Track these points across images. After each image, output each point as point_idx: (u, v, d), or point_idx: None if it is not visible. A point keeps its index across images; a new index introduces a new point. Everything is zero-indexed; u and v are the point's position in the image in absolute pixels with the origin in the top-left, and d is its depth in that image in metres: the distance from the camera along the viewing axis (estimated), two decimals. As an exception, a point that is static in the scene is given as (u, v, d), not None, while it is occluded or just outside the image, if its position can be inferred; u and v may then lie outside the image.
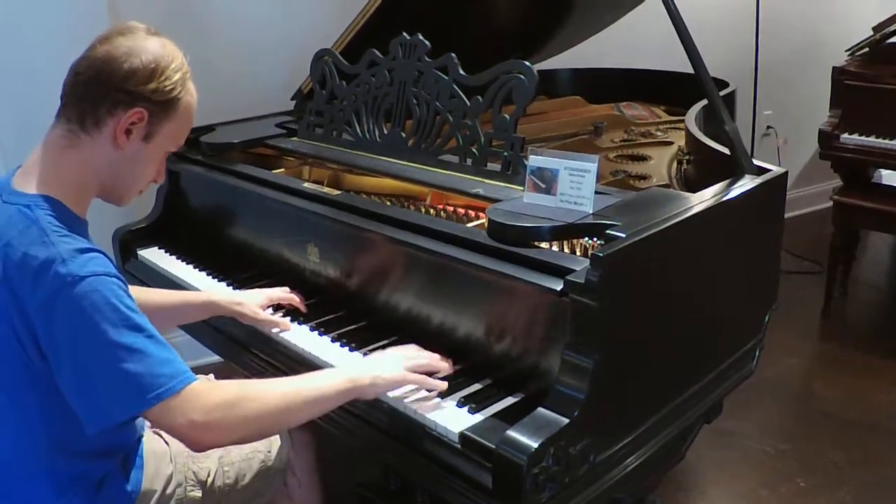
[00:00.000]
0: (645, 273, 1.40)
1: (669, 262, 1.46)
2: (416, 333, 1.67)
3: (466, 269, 1.51)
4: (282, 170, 2.32)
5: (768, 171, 1.77)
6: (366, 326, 1.78)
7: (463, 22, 2.73)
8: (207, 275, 2.20)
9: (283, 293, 1.87)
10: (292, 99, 2.71)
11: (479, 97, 1.85)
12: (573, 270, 1.34)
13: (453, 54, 1.92)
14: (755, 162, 1.81)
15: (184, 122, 1.44)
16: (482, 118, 1.86)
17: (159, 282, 2.27)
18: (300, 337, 1.77)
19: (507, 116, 1.79)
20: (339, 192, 1.94)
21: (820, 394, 3.13)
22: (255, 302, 1.84)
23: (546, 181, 1.55)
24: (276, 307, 1.89)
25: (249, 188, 2.10)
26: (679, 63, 3.08)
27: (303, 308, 1.86)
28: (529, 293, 1.40)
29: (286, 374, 1.75)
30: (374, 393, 1.45)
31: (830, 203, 3.61)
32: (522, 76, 1.77)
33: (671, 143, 2.57)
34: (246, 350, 1.92)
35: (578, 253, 1.64)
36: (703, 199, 1.57)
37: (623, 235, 1.35)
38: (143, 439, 1.62)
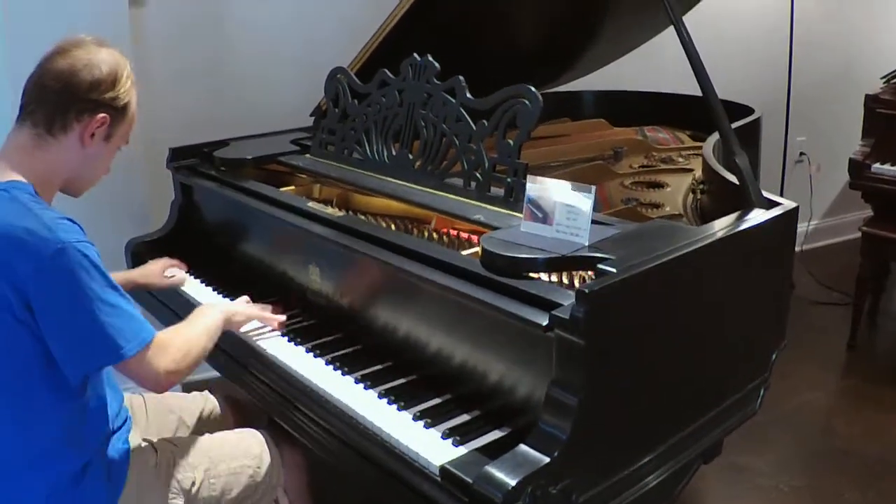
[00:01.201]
0: (636, 310, 1.36)
1: (664, 298, 1.42)
2: (410, 359, 1.66)
3: (457, 297, 1.48)
4: (292, 187, 2.32)
5: (778, 204, 1.72)
6: (361, 350, 1.77)
7: (487, 41, 2.72)
8: (214, 290, 2.20)
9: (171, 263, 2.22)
10: (311, 115, 2.71)
11: (485, 121, 1.82)
12: (560, 305, 1.30)
13: (461, 77, 1.90)
14: (766, 195, 1.76)
15: (132, 121, 1.64)
16: (490, 142, 1.84)
17: (167, 296, 2.27)
18: (296, 359, 1.76)
19: (511, 142, 1.77)
20: (342, 213, 1.93)
21: (840, 430, 3.04)
22: (151, 270, 2.17)
23: (543, 210, 1.52)
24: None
25: (255, 205, 2.09)
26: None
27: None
28: (516, 326, 1.37)
29: (283, 395, 1.75)
30: (234, 326, 1.83)
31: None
32: (527, 101, 1.74)
33: (691, 171, 2.53)
34: (243, 368, 1.91)
35: (577, 284, 1.61)
36: (706, 234, 1.52)
37: (613, 270, 1.32)
38: (131, 454, 1.63)
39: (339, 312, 1.85)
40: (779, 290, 1.76)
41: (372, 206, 2.14)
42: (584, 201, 1.47)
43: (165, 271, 2.21)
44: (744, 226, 1.59)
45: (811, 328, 3.76)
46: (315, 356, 1.76)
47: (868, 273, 3.60)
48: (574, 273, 1.62)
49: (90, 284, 1.42)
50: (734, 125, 2.62)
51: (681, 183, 2.39)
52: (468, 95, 1.88)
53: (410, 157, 2.02)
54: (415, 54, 2.04)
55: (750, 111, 2.89)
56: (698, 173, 2.45)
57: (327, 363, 1.73)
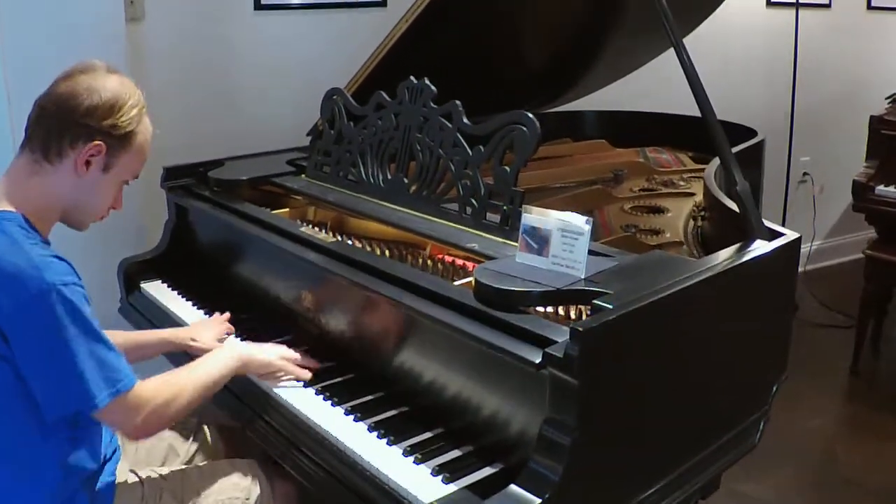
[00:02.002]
0: (633, 347, 1.32)
1: (663, 334, 1.38)
2: (401, 390, 1.62)
3: (448, 330, 1.45)
4: (287, 209, 2.29)
5: (780, 234, 1.68)
6: (352, 380, 1.73)
7: (487, 62, 2.69)
8: (206, 314, 2.16)
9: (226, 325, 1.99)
10: (308, 135, 2.68)
11: (482, 147, 1.79)
12: (554, 342, 1.27)
13: (458, 102, 1.87)
14: (768, 224, 1.72)
15: (139, 155, 1.56)
16: (487, 168, 1.81)
17: (158, 317, 2.24)
18: (284, 387, 1.73)
19: (508, 169, 1.73)
20: (334, 238, 1.89)
21: (843, 459, 2.99)
22: (210, 335, 1.92)
23: (538, 241, 1.49)
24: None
25: (247, 228, 2.06)
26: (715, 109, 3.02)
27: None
28: (509, 362, 1.33)
29: (270, 424, 1.71)
30: (250, 371, 1.72)
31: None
32: (524, 128, 1.71)
33: (692, 195, 2.49)
34: (231, 395, 1.86)
35: (573, 316, 1.57)
36: (705, 267, 1.49)
37: (610, 307, 1.28)
38: (117, 488, 1.60)
39: (330, 340, 1.82)
40: (780, 322, 1.72)
41: (366, 230, 2.10)
42: (581, 233, 1.43)
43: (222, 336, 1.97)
44: (745, 258, 1.56)
45: (813, 351, 3.71)
46: (304, 385, 1.73)
47: (871, 297, 3.55)
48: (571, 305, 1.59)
49: (70, 329, 1.35)
50: (737, 148, 2.61)
51: (682, 208, 2.35)
52: (465, 120, 1.84)
53: (406, 181, 1.99)
54: (411, 77, 2.01)
55: (753, 133, 2.85)
56: (699, 198, 2.41)
57: (317, 392, 1.69)
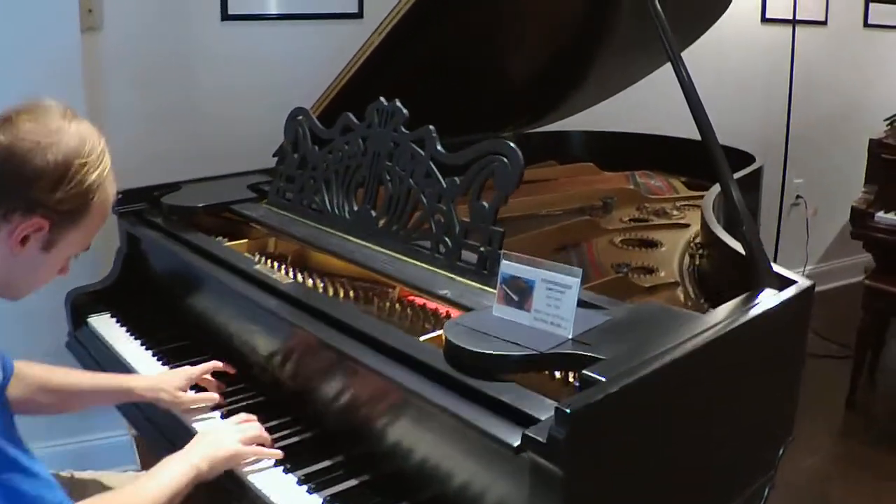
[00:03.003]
0: (628, 424, 1.13)
1: (662, 405, 1.19)
2: (362, 454, 1.41)
3: (412, 397, 1.25)
4: (245, 241, 2.09)
5: (792, 282, 1.50)
6: (309, 440, 1.52)
7: (469, 78, 2.51)
8: (154, 355, 1.95)
9: (203, 370, 1.68)
10: (274, 155, 2.48)
11: (457, 179, 1.60)
12: (536, 420, 1.07)
13: (432, 127, 1.68)
14: (777, 269, 1.54)
15: (94, 226, 1.27)
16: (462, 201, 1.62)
17: (104, 356, 2.04)
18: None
19: (486, 205, 1.54)
20: (290, 280, 1.69)
21: (837, 499, 2.81)
22: (174, 385, 1.63)
23: (519, 293, 1.29)
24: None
25: (197, 262, 1.86)
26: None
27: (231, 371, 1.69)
28: (482, 442, 1.13)
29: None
30: (216, 474, 1.38)
31: (862, 277, 3.32)
32: (505, 159, 1.52)
33: (687, 226, 2.31)
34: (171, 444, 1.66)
35: (559, 376, 1.37)
36: (710, 326, 1.29)
37: (602, 379, 1.08)
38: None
39: (286, 394, 1.61)
40: (789, 380, 1.53)
41: (331, 265, 1.89)
42: (568, 287, 1.24)
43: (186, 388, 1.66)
44: (753, 313, 1.36)
45: (806, 383, 3.52)
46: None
47: (869, 328, 3.38)
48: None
49: None
50: (736, 175, 2.44)
51: (676, 241, 2.17)
52: (439, 148, 1.65)
53: (373, 213, 1.79)
54: (381, 98, 1.81)
55: (751, 159, 2.67)
56: (695, 228, 2.23)
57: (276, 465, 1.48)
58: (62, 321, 2.26)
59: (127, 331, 2.11)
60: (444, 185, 1.62)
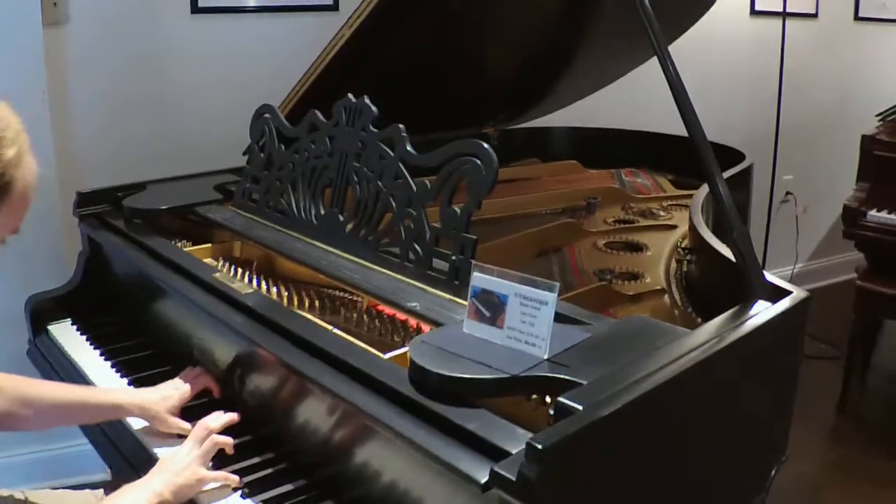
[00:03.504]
0: (609, 456, 1.03)
1: (645, 434, 1.09)
2: (327, 481, 1.31)
3: (371, 422, 1.14)
4: (208, 245, 1.97)
5: (787, 292, 1.39)
6: (272, 461, 1.40)
7: (447, 71, 2.41)
8: (112, 367, 1.83)
9: (191, 388, 1.56)
10: (244, 153, 2.37)
11: (428, 182, 1.49)
12: (507, 454, 0.97)
13: (401, 125, 1.57)
14: (771, 279, 1.44)
15: (16, 207, 1.20)
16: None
17: (63, 366, 1.92)
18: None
19: (458, 210, 1.43)
20: (251, 289, 1.57)
21: (831, 507, 2.73)
22: (166, 405, 1.52)
23: (491, 308, 1.19)
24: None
25: (155, 270, 1.75)
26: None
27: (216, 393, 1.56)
28: (446, 475, 1.03)
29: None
30: (182, 500, 1.30)
31: (853, 275, 3.23)
32: (479, 160, 1.41)
33: (674, 228, 2.21)
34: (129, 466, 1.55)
35: (535, 396, 1.27)
36: (698, 345, 1.19)
37: (580, 408, 0.98)
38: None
39: (247, 412, 1.50)
40: (783, 398, 1.43)
41: (297, 272, 1.79)
42: (544, 302, 1.13)
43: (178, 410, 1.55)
44: (744, 329, 1.26)
45: (800, 384, 3.45)
46: (213, 466, 1.40)
47: (861, 331, 3.30)
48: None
49: None
50: (731, 171, 2.34)
51: (663, 244, 2.07)
52: (409, 148, 1.54)
53: (341, 218, 1.68)
54: (349, 95, 1.70)
55: (741, 157, 2.58)
56: (683, 229, 2.13)
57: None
58: (24, 332, 2.15)
59: (87, 339, 1.99)
60: (415, 189, 1.51)
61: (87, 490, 1.70)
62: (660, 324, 1.28)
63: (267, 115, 1.96)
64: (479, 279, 1.20)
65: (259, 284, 1.76)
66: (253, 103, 2.13)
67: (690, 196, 2.10)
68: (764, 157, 3.74)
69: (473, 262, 1.39)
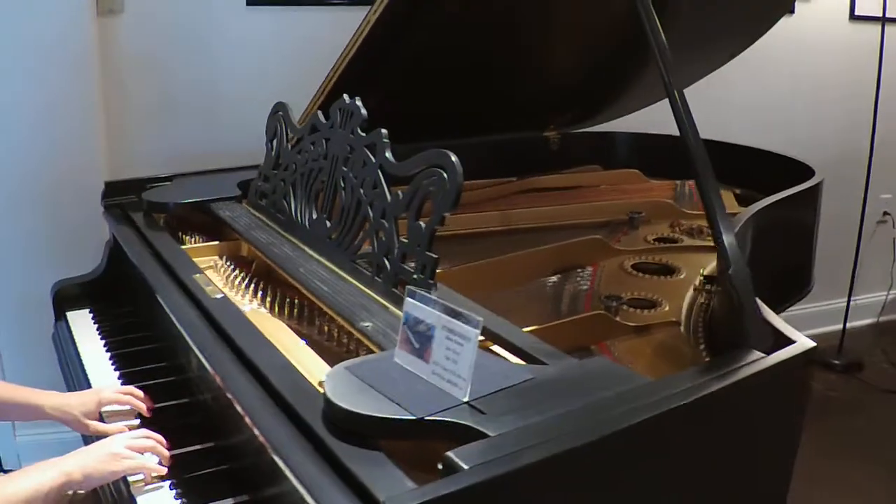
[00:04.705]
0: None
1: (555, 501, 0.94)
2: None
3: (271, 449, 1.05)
4: (215, 243, 1.93)
5: (789, 342, 1.21)
6: (226, 472, 1.33)
7: (505, 71, 2.29)
8: (110, 359, 1.83)
9: (117, 395, 1.52)
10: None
11: (400, 193, 1.39)
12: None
13: (384, 130, 1.47)
14: (778, 324, 1.26)
15: None
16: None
17: (68, 354, 1.94)
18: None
19: (423, 225, 1.32)
20: (220, 294, 1.51)
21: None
22: (84, 409, 1.50)
23: (420, 339, 1.07)
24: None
25: (144, 264, 1.73)
26: (778, 140, 2.49)
27: (145, 411, 1.50)
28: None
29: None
30: (92, 485, 1.28)
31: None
32: (445, 173, 1.29)
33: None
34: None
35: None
36: (656, 399, 1.04)
37: (465, 467, 0.86)
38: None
39: (199, 419, 1.45)
40: (775, 465, 1.25)
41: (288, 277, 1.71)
42: (467, 338, 1.01)
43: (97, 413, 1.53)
44: (721, 383, 1.09)
45: (872, 424, 3.17)
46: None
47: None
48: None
49: None
50: (786, 193, 2.13)
51: (699, 268, 1.88)
52: (388, 155, 1.44)
53: (328, 224, 1.60)
54: (345, 95, 1.62)
55: (809, 173, 2.35)
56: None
57: (171, 487, 1.31)
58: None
59: (98, 328, 2.01)
60: (388, 199, 1.41)
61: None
62: (622, 370, 1.14)
63: (280, 113, 1.90)
64: (411, 305, 1.09)
65: (248, 286, 1.70)
66: (303, 96, 2.09)
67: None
68: (857, 174, 3.45)
69: (433, 282, 1.29)
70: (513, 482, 0.87)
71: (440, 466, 0.88)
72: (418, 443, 1.04)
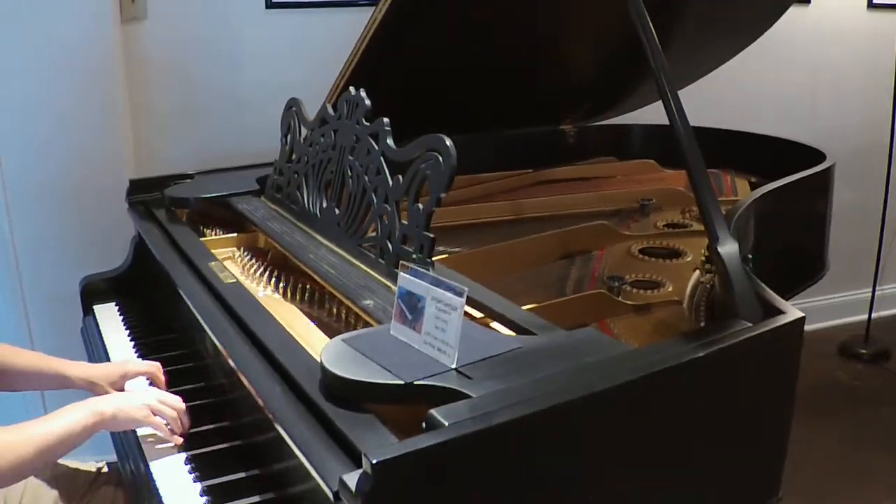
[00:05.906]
0: (481, 483, 0.94)
1: (536, 461, 0.98)
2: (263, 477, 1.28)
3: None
4: (234, 235, 2.00)
5: (777, 311, 1.25)
6: (230, 450, 1.39)
7: (526, 65, 2.34)
8: (134, 347, 1.91)
9: (142, 367, 1.60)
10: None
11: (401, 177, 1.45)
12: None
13: (386, 119, 1.53)
14: (769, 296, 1.29)
15: None
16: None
17: (94, 345, 2.02)
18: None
19: (421, 207, 1.38)
20: (233, 279, 1.58)
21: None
22: (108, 380, 1.58)
23: (413, 311, 1.13)
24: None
25: (165, 256, 1.80)
26: (801, 131, 2.49)
27: (163, 385, 1.58)
28: (311, 481, 0.98)
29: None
30: (117, 427, 1.38)
31: None
32: (440, 157, 1.35)
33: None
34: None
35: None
36: (639, 364, 1.08)
37: (446, 424, 0.91)
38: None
39: (215, 398, 1.51)
40: (768, 433, 1.28)
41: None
42: (454, 308, 1.06)
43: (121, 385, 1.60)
44: (705, 350, 1.12)
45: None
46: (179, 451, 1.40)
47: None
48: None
49: None
50: (797, 176, 2.15)
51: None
52: (389, 142, 1.50)
53: (337, 212, 1.66)
54: (350, 87, 1.68)
55: (819, 157, 2.36)
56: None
57: (186, 461, 1.37)
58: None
59: (124, 321, 2.09)
60: (390, 184, 1.46)
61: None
62: (608, 340, 1.18)
63: (293, 109, 1.96)
64: (404, 280, 1.14)
65: (263, 275, 1.76)
66: (323, 98, 2.15)
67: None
68: (878, 163, 3.43)
69: (430, 261, 1.34)
70: (491, 438, 0.91)
71: (423, 425, 0.93)
72: (412, 411, 1.09)
